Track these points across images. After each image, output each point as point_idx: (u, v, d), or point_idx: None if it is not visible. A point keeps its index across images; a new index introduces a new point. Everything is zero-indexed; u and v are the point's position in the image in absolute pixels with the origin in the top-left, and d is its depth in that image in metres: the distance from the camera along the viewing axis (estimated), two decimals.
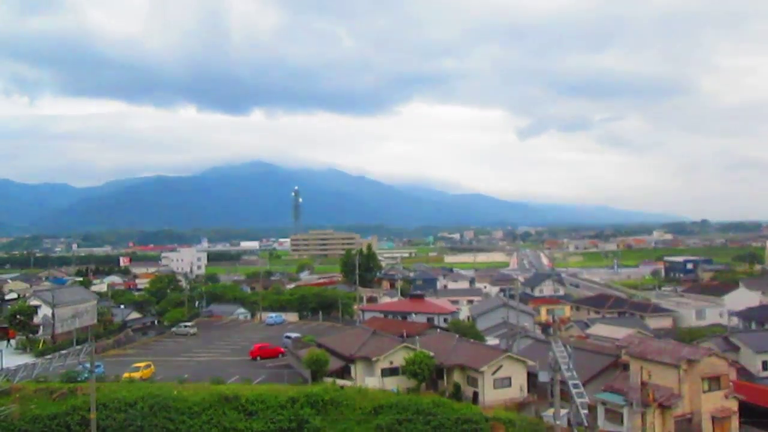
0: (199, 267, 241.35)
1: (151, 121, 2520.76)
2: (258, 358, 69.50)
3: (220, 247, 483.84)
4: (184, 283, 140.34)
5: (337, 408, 47.72)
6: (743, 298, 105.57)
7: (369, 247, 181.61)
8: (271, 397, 47.61)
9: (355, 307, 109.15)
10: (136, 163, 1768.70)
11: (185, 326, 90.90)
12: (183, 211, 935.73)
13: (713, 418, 46.73)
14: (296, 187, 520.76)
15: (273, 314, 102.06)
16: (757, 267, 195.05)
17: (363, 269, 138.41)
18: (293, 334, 78.10)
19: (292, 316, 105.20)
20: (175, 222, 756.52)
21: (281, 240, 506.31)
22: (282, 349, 71.51)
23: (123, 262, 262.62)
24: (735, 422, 47.47)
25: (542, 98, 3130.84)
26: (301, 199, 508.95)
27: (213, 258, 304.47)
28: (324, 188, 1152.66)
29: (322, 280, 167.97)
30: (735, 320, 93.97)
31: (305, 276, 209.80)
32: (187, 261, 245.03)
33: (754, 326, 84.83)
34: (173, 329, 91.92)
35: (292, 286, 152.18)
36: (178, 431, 45.47)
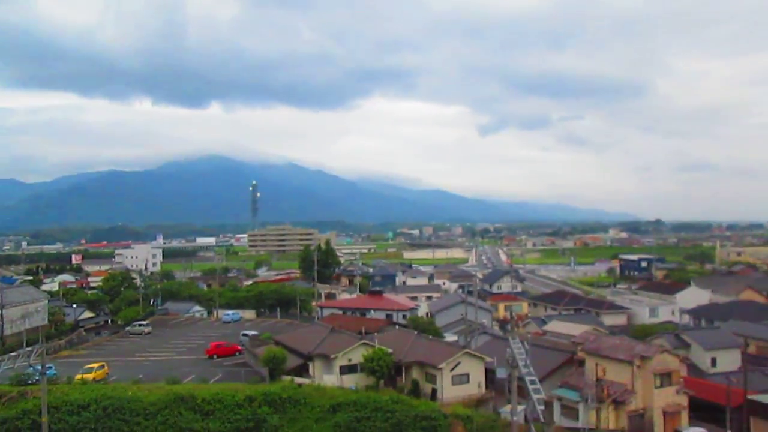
0: (154, 264, 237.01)
1: (104, 114, 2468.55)
2: (215, 356, 68.66)
3: (175, 243, 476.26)
4: (138, 281, 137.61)
5: (295, 406, 47.40)
6: (694, 296, 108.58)
7: (327, 242, 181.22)
8: (228, 397, 46.99)
9: (314, 303, 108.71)
10: (88, 157, 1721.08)
11: (140, 325, 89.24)
12: (137, 207, 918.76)
13: (664, 413, 47.86)
14: (254, 182, 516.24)
15: (230, 312, 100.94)
16: (708, 266, 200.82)
17: (321, 265, 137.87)
18: (250, 332, 77.35)
19: (249, 314, 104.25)
20: (130, 218, 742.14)
21: (238, 236, 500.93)
22: (239, 347, 70.78)
23: (75, 259, 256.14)
24: (685, 417, 48.71)
25: (503, 95, 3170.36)
26: (259, 194, 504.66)
27: (168, 254, 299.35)
28: (283, 183, 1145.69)
29: (279, 277, 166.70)
30: (686, 318, 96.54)
31: (263, 272, 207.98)
32: (141, 258, 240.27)
33: (704, 324, 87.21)
34: (127, 328, 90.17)
35: (249, 282, 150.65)
36: None
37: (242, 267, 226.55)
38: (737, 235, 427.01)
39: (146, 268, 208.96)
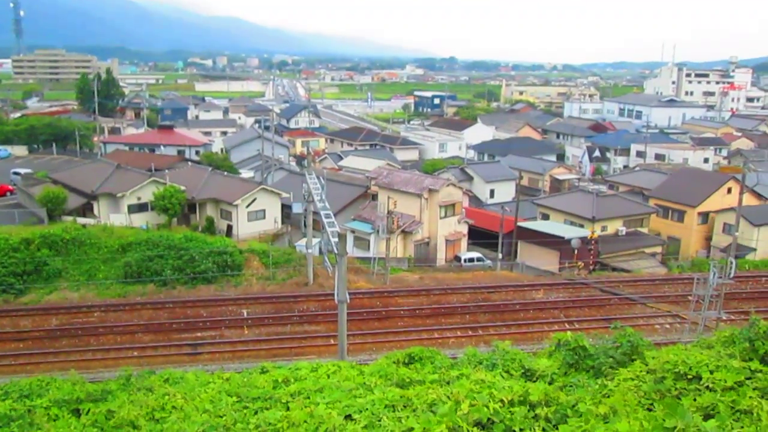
0: None
1: None
2: None
3: None
4: None
5: (79, 248, 44.60)
6: (480, 132, 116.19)
7: (108, 71, 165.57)
8: (1, 240, 42.71)
9: (95, 138, 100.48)
10: None
11: None
12: None
13: (447, 241, 52.14)
14: None
15: None
16: (494, 104, 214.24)
17: (102, 96, 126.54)
18: (23, 170, 70.14)
19: (20, 150, 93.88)
20: None
21: (0, 61, 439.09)
22: (10, 187, 64.25)
23: None
24: (464, 243, 53.53)
25: None
26: (23, 13, 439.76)
27: None
28: (52, 1, 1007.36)
29: (54, 109, 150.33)
30: (471, 153, 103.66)
31: (33, 103, 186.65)
32: None
33: (486, 158, 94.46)
34: None
35: (17, 115, 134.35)
36: None
37: (8, 97, 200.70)
38: (521, 75, 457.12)
39: None
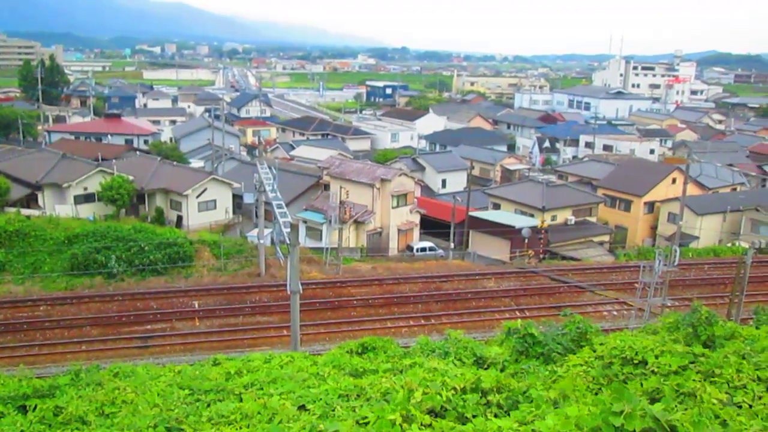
0: None
1: None
2: None
3: None
4: None
5: (24, 240, 43.26)
6: (432, 122, 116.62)
7: (52, 57, 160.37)
8: None
9: (40, 127, 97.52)
10: None
11: None
12: None
13: (399, 230, 52.38)
14: None
15: None
16: (446, 94, 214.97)
17: (47, 84, 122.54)
18: None
19: None
20: None
21: None
22: None
23: None
24: (416, 232, 53.87)
25: None
26: None
27: None
28: None
29: None
30: (423, 143, 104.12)
31: None
32: None
33: (438, 148, 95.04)
34: None
35: None
36: None
37: None
38: (472, 65, 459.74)
39: None
